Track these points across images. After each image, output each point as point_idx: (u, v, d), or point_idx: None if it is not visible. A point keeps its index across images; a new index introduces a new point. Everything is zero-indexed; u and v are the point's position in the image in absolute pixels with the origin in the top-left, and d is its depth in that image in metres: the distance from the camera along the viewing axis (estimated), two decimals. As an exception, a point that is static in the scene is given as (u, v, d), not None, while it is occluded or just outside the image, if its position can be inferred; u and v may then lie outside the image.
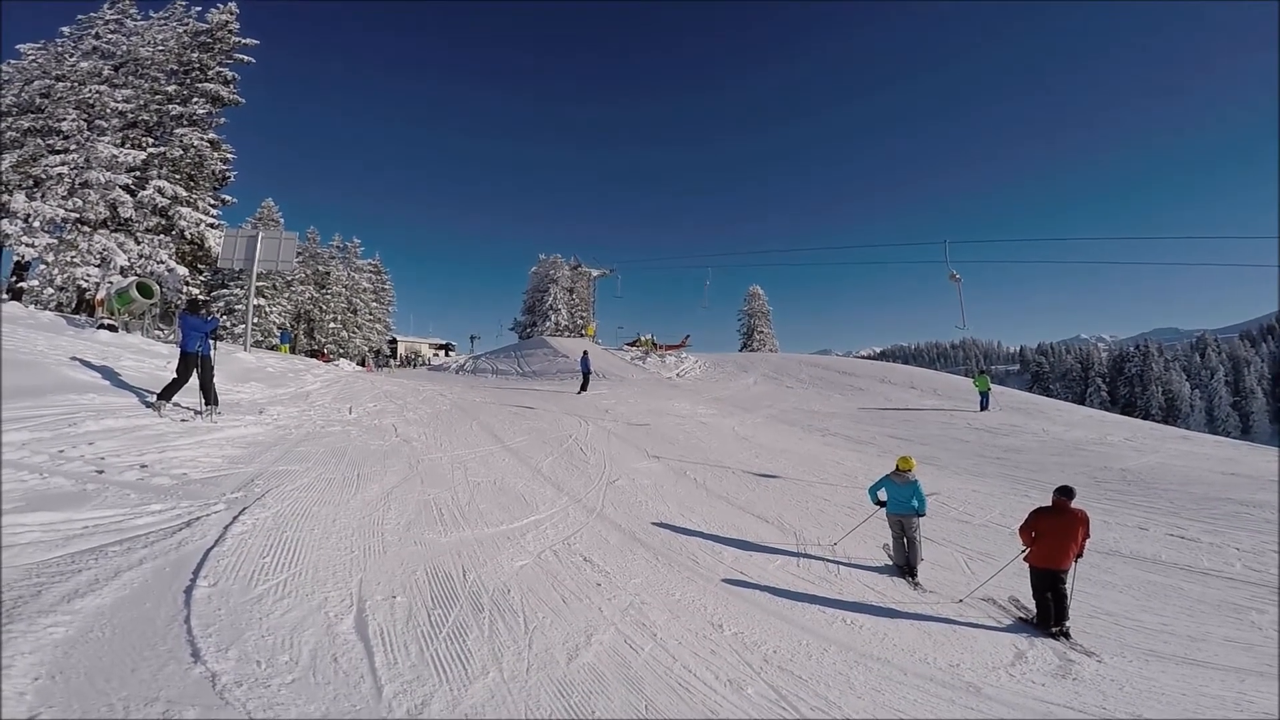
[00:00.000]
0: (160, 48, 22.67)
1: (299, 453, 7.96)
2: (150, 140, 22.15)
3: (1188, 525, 9.29)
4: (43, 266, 19.06)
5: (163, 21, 23.72)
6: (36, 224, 18.54)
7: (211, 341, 8.73)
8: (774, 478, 10.97)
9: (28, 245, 18.40)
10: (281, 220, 40.68)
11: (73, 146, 19.69)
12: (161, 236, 21.20)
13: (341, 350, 44.31)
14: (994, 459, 13.74)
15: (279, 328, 38.62)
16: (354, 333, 47.47)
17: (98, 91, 20.40)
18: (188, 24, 23.68)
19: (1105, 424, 18.92)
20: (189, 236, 21.72)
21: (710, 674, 4.27)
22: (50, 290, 19.32)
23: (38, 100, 20.56)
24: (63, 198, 19.10)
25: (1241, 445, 17.04)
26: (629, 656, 4.32)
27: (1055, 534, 6.06)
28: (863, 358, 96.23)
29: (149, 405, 8.12)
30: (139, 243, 20.59)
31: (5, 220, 18.28)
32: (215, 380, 8.71)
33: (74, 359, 9.09)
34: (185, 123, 22.41)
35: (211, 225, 22.36)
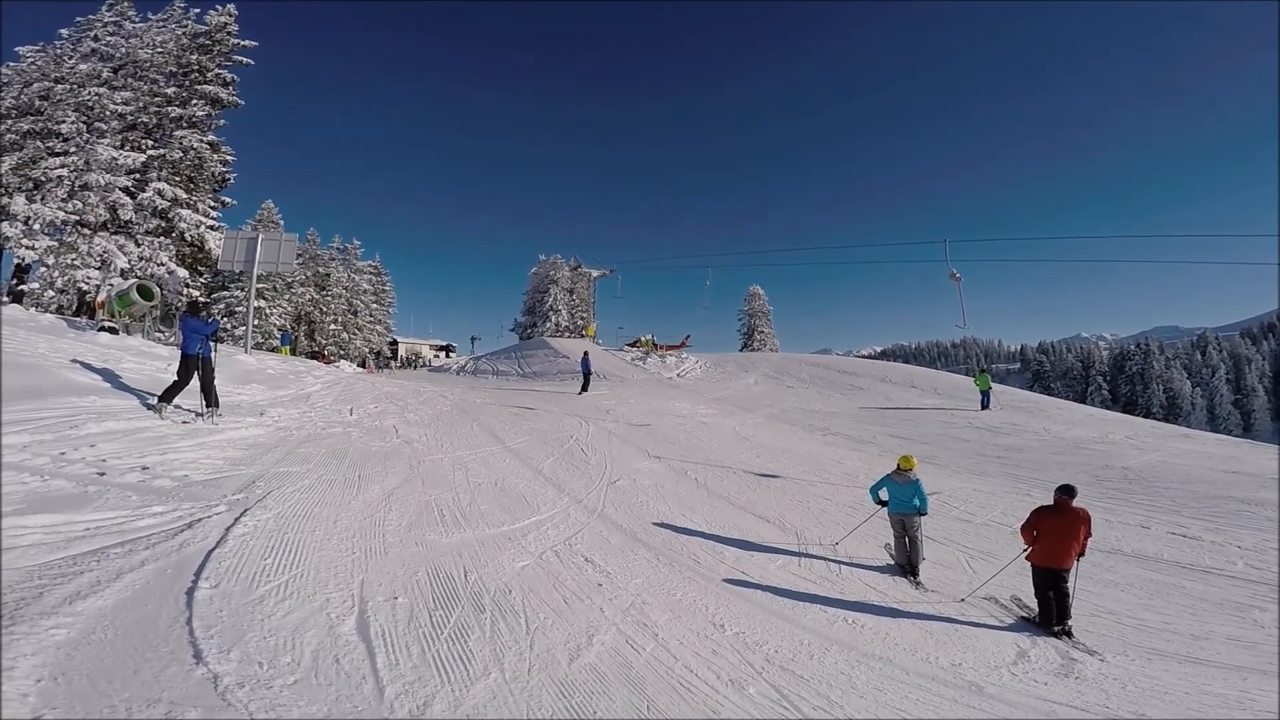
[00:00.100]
0: (159, 50, 22.66)
1: (300, 454, 7.96)
2: (150, 142, 22.15)
3: (1189, 523, 9.28)
4: (43, 269, 19.05)
5: (161, 23, 23.72)
6: (37, 226, 18.53)
7: (212, 344, 8.72)
8: (775, 477, 10.97)
9: (28, 248, 18.40)
10: (281, 222, 40.74)
11: (72, 149, 19.68)
12: (162, 239, 21.20)
13: (342, 352, 44.30)
14: (995, 458, 13.74)
15: (279, 329, 38.62)
16: (354, 334, 47.46)
17: (97, 94, 20.39)
18: (186, 26, 23.67)
19: (1106, 422, 18.91)
20: (189, 239, 21.71)
21: (712, 674, 4.27)
22: (51, 293, 19.33)
23: (37, 103, 20.55)
24: (63, 200, 19.09)
25: (1243, 443, 17.05)
26: (630, 657, 4.32)
27: (1057, 533, 6.06)
28: (863, 357, 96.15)
29: (150, 407, 8.12)
30: (139, 245, 20.58)
31: (5, 223, 18.28)
32: (216, 382, 8.71)
33: (75, 361, 9.09)
34: (185, 125, 22.42)
35: (211, 227, 22.36)
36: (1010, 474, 12.36)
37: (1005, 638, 5.74)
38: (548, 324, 55.89)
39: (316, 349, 42.10)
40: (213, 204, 23.64)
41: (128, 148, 20.89)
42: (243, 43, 23.90)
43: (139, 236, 20.76)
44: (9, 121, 20.04)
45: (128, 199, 19.94)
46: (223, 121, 23.90)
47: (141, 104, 21.79)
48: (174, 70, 22.98)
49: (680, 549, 6.93)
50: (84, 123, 20.18)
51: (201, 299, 14.57)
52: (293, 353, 33.70)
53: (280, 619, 3.85)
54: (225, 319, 35.66)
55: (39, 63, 21.64)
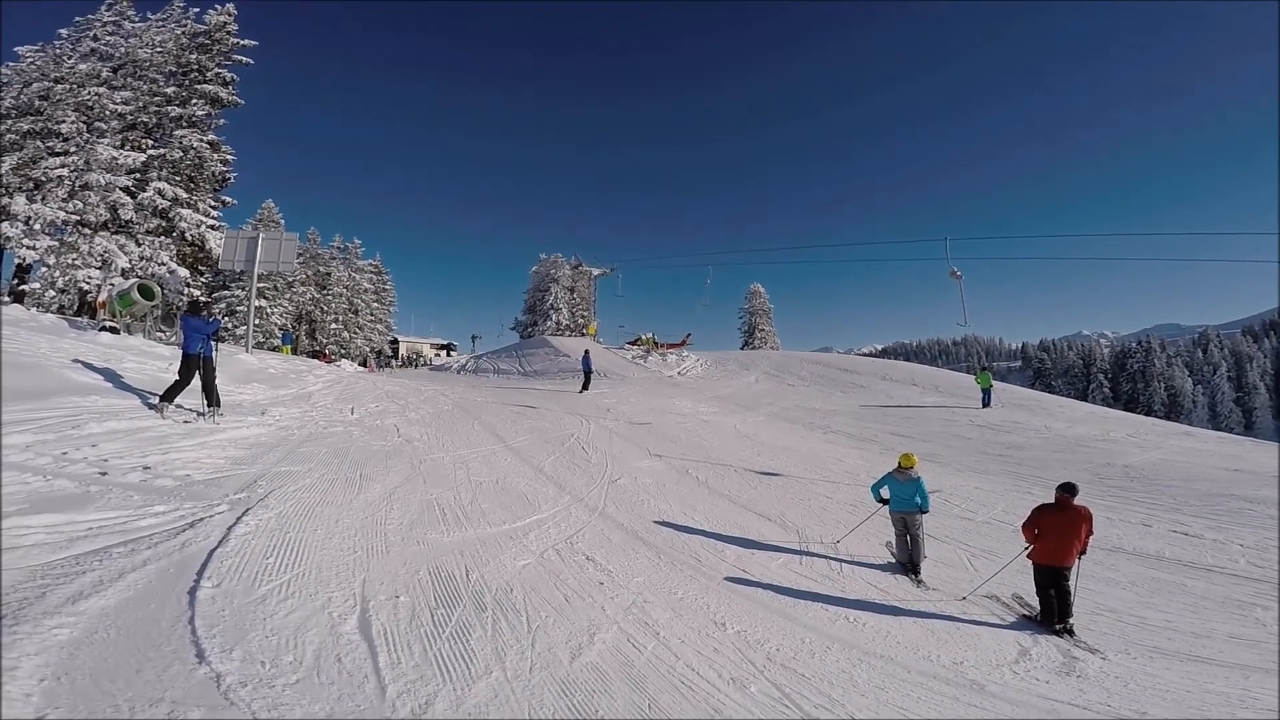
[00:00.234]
0: (159, 49, 22.64)
1: (301, 453, 7.96)
2: (150, 142, 22.14)
3: (1191, 521, 9.28)
4: (44, 269, 19.06)
5: (161, 23, 23.70)
6: (37, 226, 18.53)
7: (213, 343, 8.72)
8: (776, 475, 10.97)
9: (29, 248, 18.40)
10: (282, 221, 40.76)
11: (72, 149, 19.68)
12: (162, 238, 21.19)
13: (343, 351, 44.34)
14: (996, 456, 13.74)
15: (280, 329, 38.66)
16: (355, 333, 47.49)
17: (97, 94, 20.38)
18: (186, 25, 23.65)
19: (1108, 420, 18.90)
20: (190, 238, 21.71)
21: (713, 672, 4.28)
22: (52, 293, 19.33)
23: (37, 103, 20.55)
24: (63, 200, 19.09)
25: (1244, 441, 17.05)
26: (632, 655, 4.33)
27: (1058, 531, 6.06)
28: (864, 355, 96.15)
29: (151, 407, 8.13)
30: (140, 245, 20.58)
31: (6, 223, 18.28)
32: (217, 382, 8.71)
33: (76, 361, 9.10)
34: (185, 124, 22.41)
35: (212, 227, 22.36)
36: (1011, 472, 12.35)
37: (1007, 636, 5.74)
38: (548, 322, 55.90)
39: (317, 348, 42.14)
40: (213, 203, 23.64)
41: (128, 147, 20.89)
42: (242, 42, 23.89)
43: (140, 236, 20.76)
44: (9, 121, 20.04)
45: (128, 199, 19.93)
46: (222, 121, 23.90)
47: (141, 104, 21.78)
48: (174, 70, 22.96)
49: (681, 547, 6.94)
50: (84, 122, 20.18)
51: (202, 298, 14.59)
52: (294, 352, 33.75)
53: (282, 618, 3.85)
54: (226, 318, 35.69)
55: (38, 63, 21.63)
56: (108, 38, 22.40)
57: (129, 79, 21.87)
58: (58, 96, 20.27)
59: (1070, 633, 5.79)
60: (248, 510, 5.52)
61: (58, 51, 21.92)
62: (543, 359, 33.86)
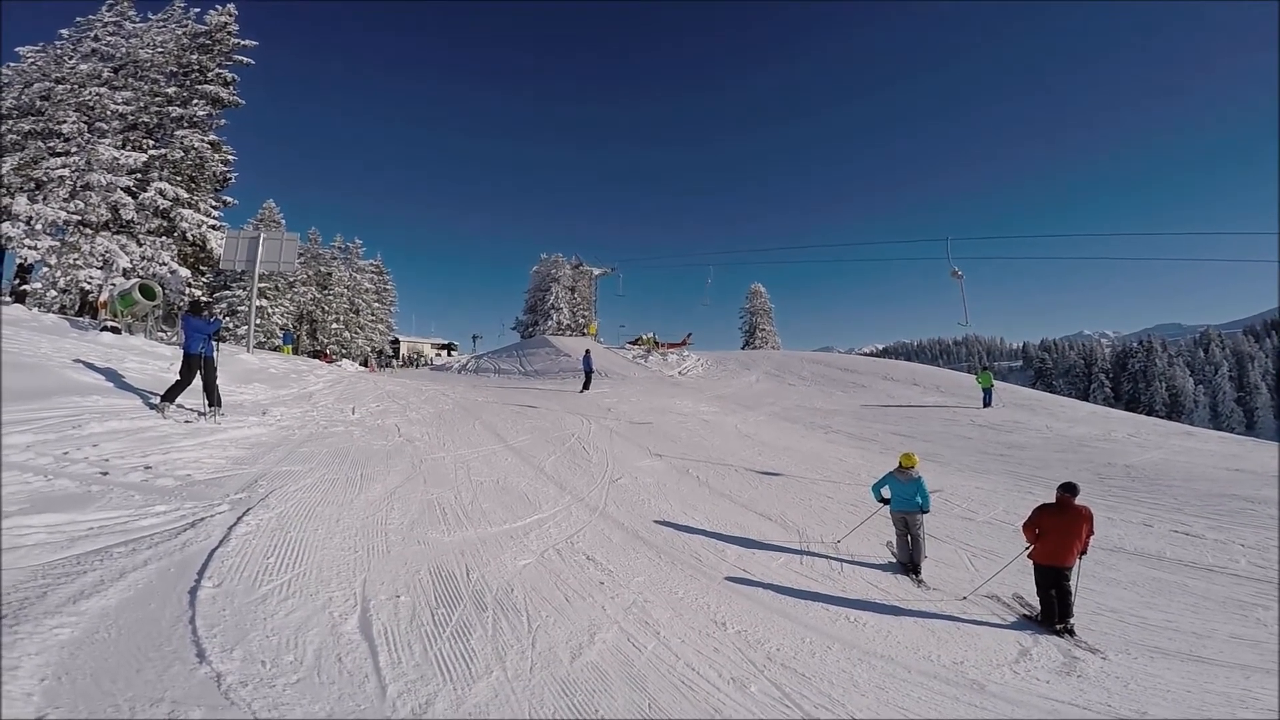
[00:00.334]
0: (159, 49, 22.65)
1: (302, 453, 7.97)
2: (151, 142, 22.15)
3: (1192, 521, 9.27)
4: (45, 269, 19.08)
5: (161, 23, 23.71)
6: (39, 227, 18.56)
7: (214, 343, 8.73)
8: (777, 475, 10.96)
9: (30, 248, 18.43)
10: (283, 221, 40.79)
11: (73, 149, 19.70)
12: (163, 238, 21.20)
13: (344, 351, 44.35)
14: (997, 455, 13.72)
15: (281, 329, 38.67)
16: (356, 333, 47.50)
17: (97, 94, 20.40)
18: (187, 26, 23.66)
19: (1109, 420, 18.88)
20: (191, 238, 21.72)
21: (714, 672, 4.28)
22: (53, 293, 19.35)
23: (38, 103, 20.57)
24: (64, 200, 19.11)
25: (1246, 441, 17.01)
26: (632, 655, 4.33)
27: (1059, 531, 6.06)
28: (865, 355, 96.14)
29: (153, 407, 8.14)
30: (141, 245, 20.60)
31: (7, 223, 18.30)
32: (218, 381, 8.72)
33: (77, 361, 9.11)
34: (185, 124, 22.41)
35: (213, 227, 22.36)
36: (1012, 472, 12.34)
37: (1007, 636, 5.74)
38: (549, 322, 55.90)
39: (319, 348, 42.14)
40: (214, 203, 23.65)
41: (129, 147, 20.90)
42: (243, 42, 23.88)
43: (141, 236, 20.78)
44: (10, 122, 20.06)
45: (129, 199, 19.95)
46: (223, 121, 23.89)
47: (142, 104, 21.79)
48: (174, 70, 22.97)
49: (682, 547, 6.94)
50: (85, 123, 20.20)
51: (204, 298, 14.58)
52: (295, 352, 33.76)
53: (283, 618, 3.86)
54: (227, 318, 35.71)
55: (39, 63, 21.66)
56: (108, 38, 22.41)
57: (130, 79, 21.89)
58: (59, 97, 20.29)
59: (1071, 633, 5.79)
60: (249, 510, 5.52)
61: (58, 52, 21.95)
62: (543, 359, 33.86)
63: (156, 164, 21.61)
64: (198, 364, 8.42)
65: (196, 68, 23.03)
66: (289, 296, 41.12)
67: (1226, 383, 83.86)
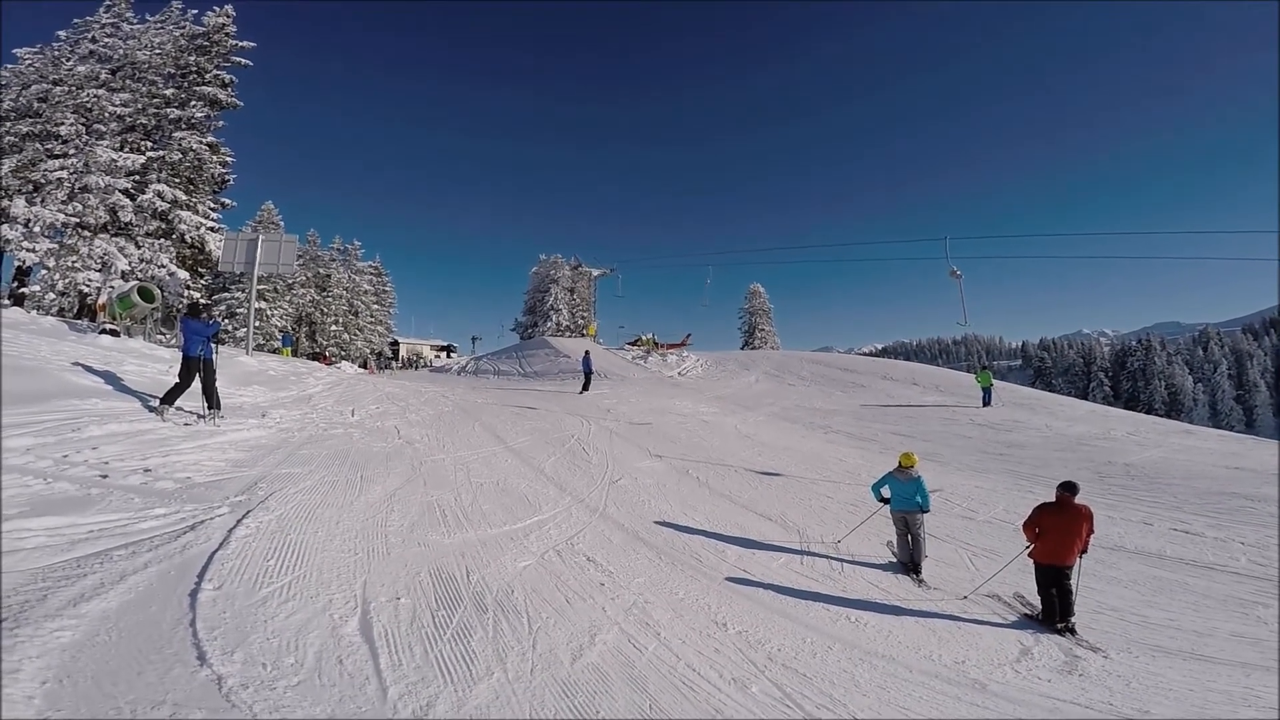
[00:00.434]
0: (157, 51, 22.65)
1: (302, 456, 7.96)
2: (149, 144, 22.14)
3: (1192, 520, 9.27)
4: (44, 271, 19.08)
5: (159, 25, 23.71)
6: (37, 229, 18.55)
7: (213, 345, 8.72)
8: (776, 475, 10.96)
9: (29, 250, 18.42)
10: (282, 223, 40.76)
11: (71, 151, 19.69)
12: (162, 240, 21.20)
13: (343, 353, 44.34)
14: (997, 455, 13.73)
15: (280, 331, 38.65)
16: (355, 335, 47.50)
17: (95, 95, 20.39)
18: (184, 27, 23.66)
19: (1108, 419, 18.89)
20: (189, 240, 21.71)
21: (714, 673, 4.27)
22: (52, 295, 19.36)
23: (35, 105, 20.57)
24: (62, 202, 19.10)
25: (1245, 439, 17.02)
26: (633, 656, 4.32)
27: (1059, 530, 6.06)
28: (864, 354, 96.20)
29: (152, 410, 8.12)
30: (139, 247, 20.59)
31: (5, 226, 18.30)
32: (218, 384, 8.71)
33: (76, 364, 9.10)
34: (183, 126, 22.41)
35: (212, 229, 22.36)
36: (1012, 471, 12.35)
37: (1008, 635, 5.74)
38: (549, 323, 55.91)
39: (318, 350, 42.13)
40: (213, 205, 23.64)
41: (127, 149, 20.90)
42: (241, 44, 23.89)
43: (139, 238, 20.77)
44: (8, 124, 20.05)
45: (127, 201, 19.95)
46: (221, 123, 23.91)
47: (140, 106, 21.79)
48: (172, 72, 22.96)
49: (682, 548, 6.93)
50: (83, 125, 20.19)
51: (202, 301, 14.60)
52: (294, 354, 33.74)
53: (283, 620, 3.85)
54: (226, 321, 35.68)
55: (36, 64, 21.66)
56: (106, 39, 22.41)
57: (128, 81, 21.88)
58: (56, 99, 20.29)
59: (1072, 631, 5.79)
60: (248, 513, 5.52)
61: (56, 53, 21.94)
62: (543, 360, 33.85)
63: (154, 166, 21.61)
64: (197, 366, 8.41)
65: (194, 69, 23.03)
66: (288, 298, 41.11)
67: (1225, 381, 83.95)
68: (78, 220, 19.17)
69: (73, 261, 18.94)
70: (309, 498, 6.33)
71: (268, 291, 38.16)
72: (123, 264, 19.63)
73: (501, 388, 24.00)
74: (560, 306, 57.15)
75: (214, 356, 8.68)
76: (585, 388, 21.04)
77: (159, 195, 20.97)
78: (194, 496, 5.72)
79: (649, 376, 28.97)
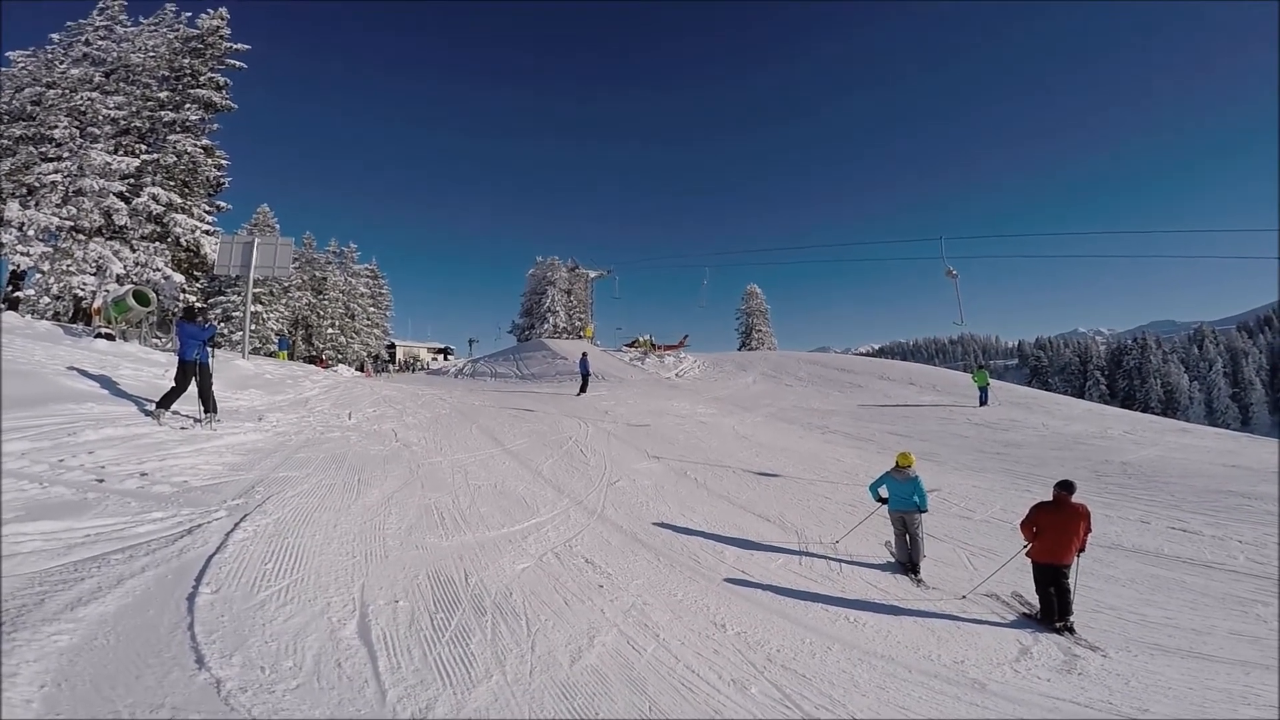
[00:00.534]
0: (151, 54, 22.64)
1: (299, 459, 7.94)
2: (143, 147, 22.11)
3: (1190, 518, 9.29)
4: (38, 275, 19.03)
5: (153, 28, 23.69)
6: (31, 232, 18.50)
7: (209, 349, 8.70)
8: (774, 476, 10.96)
9: (23, 254, 18.37)
10: (277, 226, 40.62)
11: (65, 154, 19.66)
12: (157, 244, 21.16)
13: (340, 356, 44.22)
14: (994, 454, 13.75)
15: (277, 334, 38.51)
16: (352, 338, 47.39)
17: (89, 98, 20.37)
18: (178, 30, 23.65)
19: (1105, 417, 18.93)
20: (185, 243, 21.69)
21: (714, 674, 4.27)
22: (47, 299, 19.28)
23: (29, 108, 20.53)
24: (57, 206, 19.06)
25: (1241, 437, 17.08)
26: (632, 657, 4.32)
27: (1057, 529, 6.07)
28: (861, 355, 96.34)
29: (148, 414, 8.09)
30: (134, 250, 20.54)
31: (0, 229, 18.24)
32: (214, 388, 8.69)
33: (72, 368, 9.07)
34: (178, 129, 22.38)
35: (207, 232, 22.34)
36: (1009, 470, 12.37)
37: (1007, 634, 5.75)
38: (545, 325, 55.90)
39: (314, 353, 42.02)
40: (208, 208, 23.62)
41: (121, 153, 20.86)
42: (235, 46, 23.87)
43: (134, 242, 20.73)
44: (1, 127, 19.99)
45: (122, 204, 19.91)
46: (216, 126, 23.92)
47: (134, 109, 21.76)
48: (166, 74, 22.95)
49: (680, 549, 6.93)
50: (77, 128, 20.16)
51: (198, 304, 14.55)
52: (290, 357, 33.63)
53: (282, 623, 3.84)
54: (222, 324, 35.55)
55: (30, 67, 21.62)
56: (100, 42, 22.39)
57: (121, 84, 21.87)
58: (50, 102, 20.25)
59: (1071, 630, 5.79)
60: (246, 516, 5.50)
61: (49, 56, 21.91)
62: (540, 362, 33.83)
63: (149, 169, 21.57)
64: (193, 370, 8.38)
65: (188, 72, 23.01)
66: (284, 302, 41.00)
67: (1221, 379, 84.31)
68: (72, 224, 19.13)
69: (67, 265, 18.89)
70: (306, 501, 6.32)
71: (264, 295, 38.05)
72: (118, 267, 19.58)
73: (499, 390, 23.97)
74: (557, 308, 57.14)
75: (210, 360, 8.66)
76: (583, 390, 21.03)
77: (154, 198, 20.93)
78: (191, 500, 5.70)
79: (646, 378, 28.96)
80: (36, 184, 19.16)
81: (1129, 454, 13.44)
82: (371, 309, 50.72)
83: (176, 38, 23.36)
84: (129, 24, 23.36)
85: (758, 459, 12.32)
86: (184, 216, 21.63)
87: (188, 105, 22.58)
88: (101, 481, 5.56)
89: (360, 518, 6.16)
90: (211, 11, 23.52)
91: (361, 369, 37.69)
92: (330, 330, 45.41)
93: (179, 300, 21.16)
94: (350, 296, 48.05)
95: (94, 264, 19.35)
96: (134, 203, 20.53)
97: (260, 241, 17.59)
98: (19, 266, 18.77)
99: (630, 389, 23.99)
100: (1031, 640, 5.62)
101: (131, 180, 20.72)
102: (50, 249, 18.96)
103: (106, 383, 8.90)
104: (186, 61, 23.00)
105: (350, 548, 5.34)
